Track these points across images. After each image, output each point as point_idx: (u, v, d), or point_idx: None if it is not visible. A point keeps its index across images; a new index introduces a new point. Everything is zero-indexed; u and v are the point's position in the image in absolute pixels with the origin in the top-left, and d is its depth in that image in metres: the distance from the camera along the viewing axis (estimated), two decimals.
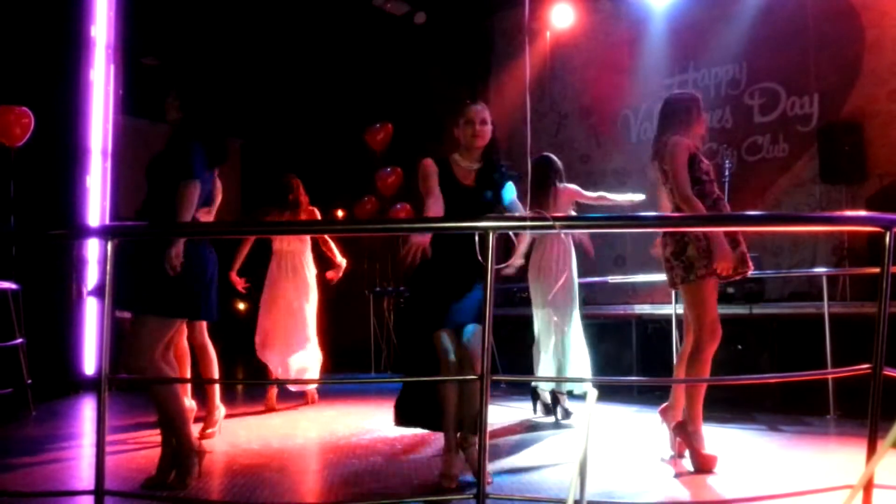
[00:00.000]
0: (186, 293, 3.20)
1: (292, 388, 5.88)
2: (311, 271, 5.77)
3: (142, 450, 3.97)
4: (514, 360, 6.58)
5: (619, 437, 4.32)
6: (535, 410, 5.15)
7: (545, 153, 5.28)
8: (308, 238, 5.72)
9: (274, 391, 5.67)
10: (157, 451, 3.82)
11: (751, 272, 3.45)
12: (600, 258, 7.92)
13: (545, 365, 4.95)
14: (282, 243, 5.67)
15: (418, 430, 3.81)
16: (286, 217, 5.54)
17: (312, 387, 5.83)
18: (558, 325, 4.89)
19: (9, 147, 5.95)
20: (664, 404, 3.74)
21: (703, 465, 3.34)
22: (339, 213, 9.32)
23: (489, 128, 3.37)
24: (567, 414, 4.93)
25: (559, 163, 5.12)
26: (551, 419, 4.96)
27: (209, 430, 4.37)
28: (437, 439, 4.24)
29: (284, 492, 3.13)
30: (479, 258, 2.83)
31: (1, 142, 5.94)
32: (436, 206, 3.19)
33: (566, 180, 5.10)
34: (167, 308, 3.18)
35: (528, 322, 5.25)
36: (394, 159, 8.97)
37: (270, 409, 5.50)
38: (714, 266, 3.31)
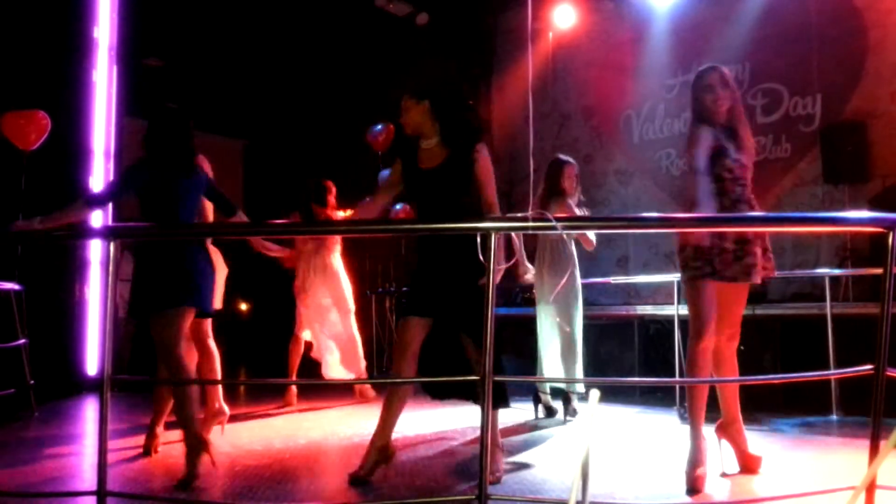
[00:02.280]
0: (188, 283, 3.46)
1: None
2: (340, 269, 5.83)
3: (143, 451, 3.97)
4: (516, 360, 6.56)
5: (622, 437, 4.32)
6: (536, 413, 5.10)
7: (560, 157, 5.18)
8: (334, 238, 5.80)
9: (293, 388, 5.82)
10: (161, 453, 3.84)
11: (755, 281, 3.26)
12: (602, 259, 7.95)
13: (548, 364, 4.93)
14: (305, 244, 5.77)
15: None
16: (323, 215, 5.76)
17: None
18: (560, 325, 4.87)
19: (22, 150, 5.93)
20: (719, 420, 3.41)
21: (693, 468, 3.13)
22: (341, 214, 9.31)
23: (411, 113, 3.41)
24: (574, 413, 4.91)
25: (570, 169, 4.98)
26: (553, 421, 4.93)
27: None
28: (438, 440, 4.24)
29: (286, 493, 3.13)
30: (481, 257, 2.85)
31: (16, 145, 5.91)
32: (365, 210, 3.73)
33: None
34: (175, 298, 3.40)
35: (529, 323, 5.24)
36: (396, 160, 8.96)
37: (288, 405, 5.66)
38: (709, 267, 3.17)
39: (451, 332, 3.35)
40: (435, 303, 3.32)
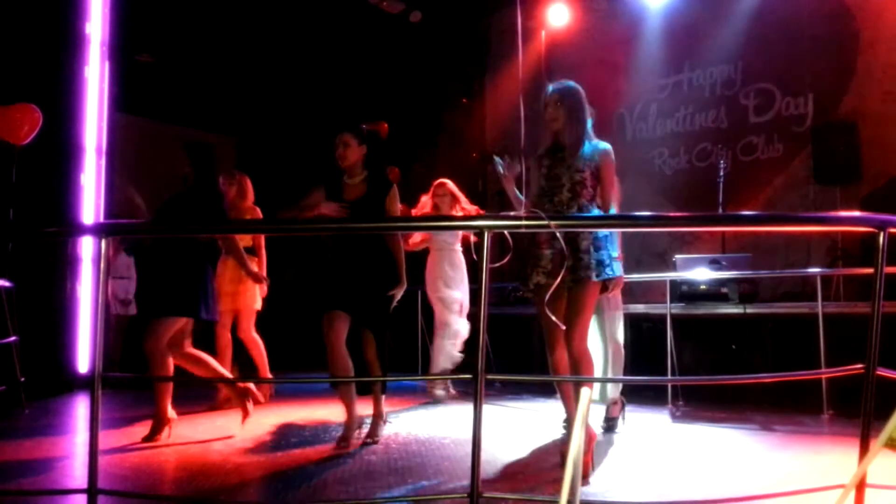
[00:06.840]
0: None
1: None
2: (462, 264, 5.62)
3: (135, 448, 3.96)
4: (509, 359, 6.57)
5: (614, 436, 4.33)
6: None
7: None
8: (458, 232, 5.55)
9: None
10: (152, 450, 3.85)
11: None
12: None
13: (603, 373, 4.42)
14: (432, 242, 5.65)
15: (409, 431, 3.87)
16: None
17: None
18: (609, 335, 4.47)
19: (13, 145, 5.89)
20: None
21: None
22: None
23: (351, 150, 3.97)
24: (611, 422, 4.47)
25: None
26: (612, 435, 4.36)
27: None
28: (431, 439, 4.24)
29: (279, 491, 3.12)
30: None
31: (6, 140, 5.87)
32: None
33: None
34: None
35: (522, 321, 5.22)
36: (389, 158, 8.94)
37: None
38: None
39: (359, 329, 3.90)
40: (353, 301, 3.84)
